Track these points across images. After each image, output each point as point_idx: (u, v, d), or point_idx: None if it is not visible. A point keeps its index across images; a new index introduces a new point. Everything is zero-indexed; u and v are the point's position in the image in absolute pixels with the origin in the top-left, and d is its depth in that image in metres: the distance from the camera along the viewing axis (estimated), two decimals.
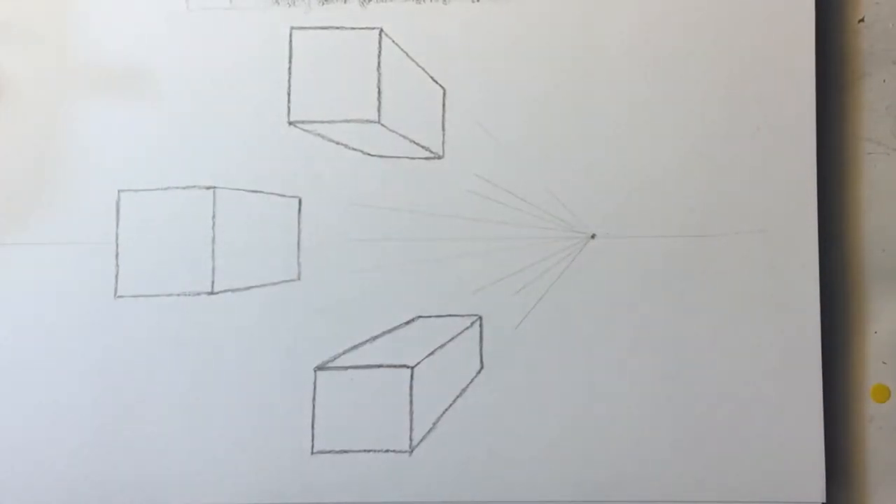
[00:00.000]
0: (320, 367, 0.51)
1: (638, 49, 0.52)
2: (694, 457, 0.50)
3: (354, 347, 0.51)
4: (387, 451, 0.51)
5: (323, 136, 0.52)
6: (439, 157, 0.52)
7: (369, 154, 0.52)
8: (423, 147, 0.52)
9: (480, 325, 0.51)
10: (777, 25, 0.52)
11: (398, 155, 0.52)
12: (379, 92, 0.52)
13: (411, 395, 0.51)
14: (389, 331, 0.52)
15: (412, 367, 0.51)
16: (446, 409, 0.51)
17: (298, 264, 0.52)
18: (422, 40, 0.53)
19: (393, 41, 0.53)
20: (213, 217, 0.52)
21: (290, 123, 0.52)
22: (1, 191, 0.53)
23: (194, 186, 0.52)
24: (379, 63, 0.53)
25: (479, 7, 0.53)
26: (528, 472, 0.51)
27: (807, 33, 0.52)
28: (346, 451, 0.51)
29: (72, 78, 0.53)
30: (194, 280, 0.52)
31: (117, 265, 0.52)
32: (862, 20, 0.53)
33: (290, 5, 0.53)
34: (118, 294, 0.52)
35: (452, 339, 0.51)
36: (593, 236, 0.52)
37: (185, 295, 0.52)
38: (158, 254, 0.52)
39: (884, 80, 0.53)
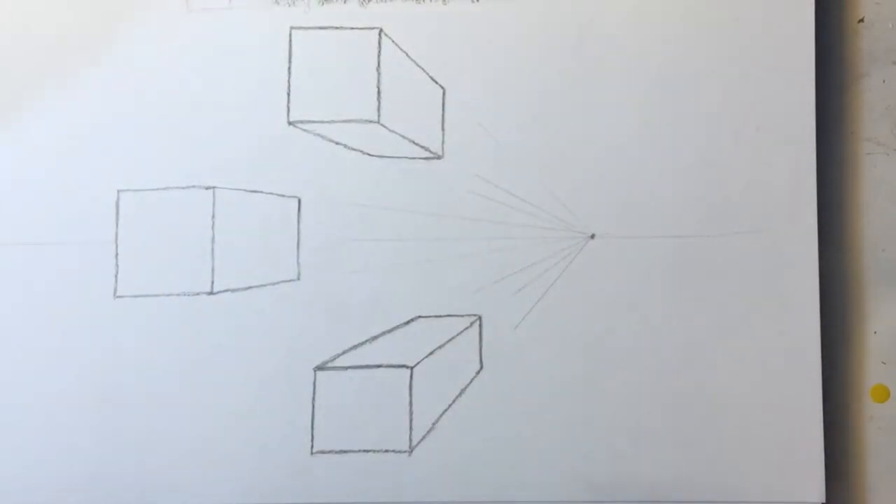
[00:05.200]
0: (320, 367, 0.51)
1: (637, 49, 0.52)
2: (694, 457, 0.50)
3: (354, 347, 0.51)
4: (386, 451, 0.51)
5: (323, 136, 0.52)
6: (439, 157, 0.52)
7: (369, 154, 0.52)
8: (422, 147, 0.52)
9: (480, 325, 0.51)
10: (777, 25, 0.52)
11: (398, 155, 0.52)
12: (379, 92, 0.52)
13: (411, 395, 0.51)
14: (389, 331, 0.52)
15: (412, 367, 0.51)
16: (446, 409, 0.51)
17: (298, 264, 0.52)
18: (422, 40, 0.53)
19: (393, 41, 0.53)
20: (213, 217, 0.52)
21: (290, 123, 0.52)
22: (0, 190, 0.53)
23: (194, 186, 0.52)
24: (379, 63, 0.53)
25: (479, 7, 0.53)
26: (528, 472, 0.51)
27: (807, 33, 0.52)
28: (345, 451, 0.51)
29: (71, 77, 0.53)
30: (194, 280, 0.52)
31: (117, 265, 0.52)
32: (862, 20, 0.53)
33: (290, 5, 0.53)
34: (118, 294, 0.52)
35: (452, 339, 0.51)
36: (593, 236, 0.52)
37: (185, 295, 0.52)
38: (158, 254, 0.52)
39: (884, 80, 0.53)
